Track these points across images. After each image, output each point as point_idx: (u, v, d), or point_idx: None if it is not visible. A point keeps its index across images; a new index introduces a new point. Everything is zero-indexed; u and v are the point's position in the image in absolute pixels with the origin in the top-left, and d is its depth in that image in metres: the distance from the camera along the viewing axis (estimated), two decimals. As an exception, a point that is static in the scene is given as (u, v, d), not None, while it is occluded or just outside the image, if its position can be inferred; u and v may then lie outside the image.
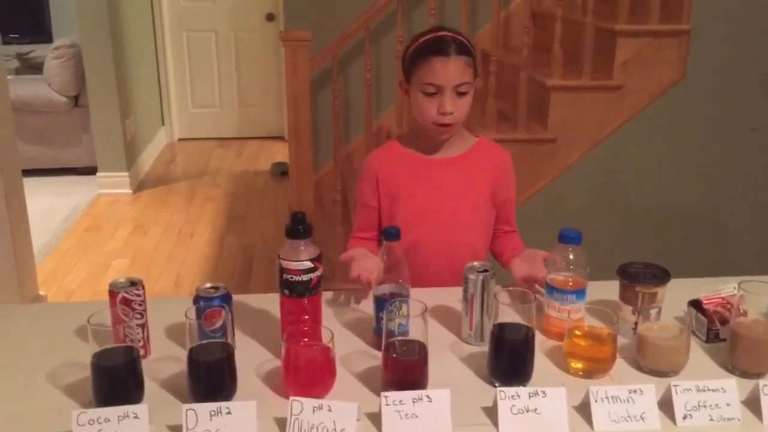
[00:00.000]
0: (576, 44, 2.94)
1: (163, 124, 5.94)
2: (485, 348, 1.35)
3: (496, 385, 1.24)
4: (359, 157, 3.71)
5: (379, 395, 1.20)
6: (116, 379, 1.15)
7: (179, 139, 6.05)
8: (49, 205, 4.35)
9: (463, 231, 1.69)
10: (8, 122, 2.79)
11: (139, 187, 4.85)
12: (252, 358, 1.32)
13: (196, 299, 1.29)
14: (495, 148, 1.76)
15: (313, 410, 1.11)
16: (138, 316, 1.28)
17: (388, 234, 1.33)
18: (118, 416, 1.08)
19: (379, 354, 1.32)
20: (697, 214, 3.12)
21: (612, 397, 1.15)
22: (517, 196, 2.95)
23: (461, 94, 1.59)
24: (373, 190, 1.72)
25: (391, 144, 1.77)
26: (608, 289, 1.47)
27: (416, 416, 1.12)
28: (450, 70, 1.57)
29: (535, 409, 1.13)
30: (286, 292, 1.27)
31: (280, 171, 5.07)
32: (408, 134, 1.77)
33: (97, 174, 4.66)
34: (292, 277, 1.25)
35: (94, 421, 1.07)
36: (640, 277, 1.36)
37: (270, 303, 1.51)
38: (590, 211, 3.01)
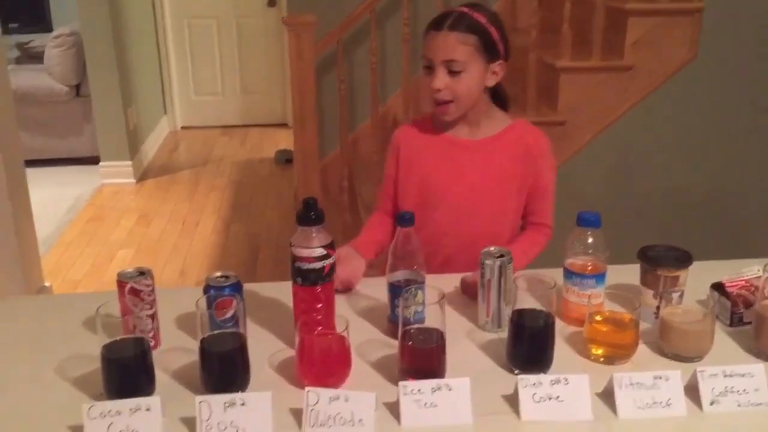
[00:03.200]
0: (585, 24, 2.89)
1: (165, 112, 5.89)
2: (503, 335, 1.32)
3: (516, 372, 1.21)
4: (365, 143, 3.66)
5: (395, 384, 1.17)
6: (127, 371, 1.12)
7: (182, 128, 6.00)
8: (52, 196, 4.32)
9: (479, 218, 1.64)
10: (10, 113, 2.75)
11: (142, 176, 4.81)
12: (264, 348, 1.29)
13: (207, 288, 1.26)
14: (529, 131, 1.67)
15: (330, 400, 1.08)
16: (147, 306, 1.25)
17: (403, 219, 1.29)
18: (130, 409, 1.05)
19: (395, 342, 1.29)
20: (711, 195, 3.08)
21: (636, 384, 1.11)
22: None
23: (454, 72, 1.53)
24: (394, 160, 1.69)
25: (423, 117, 1.73)
26: (626, 273, 1.43)
27: (435, 405, 1.09)
28: (438, 44, 1.52)
29: (558, 397, 1.10)
30: (299, 280, 1.24)
31: (285, 158, 5.04)
32: None
33: (100, 164, 4.63)
34: (304, 265, 1.22)
35: (105, 414, 1.04)
36: (662, 260, 1.33)
37: (280, 291, 1.48)
38: (601, 194, 2.97)
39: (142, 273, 1.27)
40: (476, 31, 1.53)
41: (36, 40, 5.52)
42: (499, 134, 1.64)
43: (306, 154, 2.97)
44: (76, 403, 1.12)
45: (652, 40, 2.84)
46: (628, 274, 1.42)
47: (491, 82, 1.59)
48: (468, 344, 1.33)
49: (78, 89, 4.81)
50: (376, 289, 1.49)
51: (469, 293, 1.47)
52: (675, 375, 1.13)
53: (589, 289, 1.32)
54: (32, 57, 5.30)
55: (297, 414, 1.10)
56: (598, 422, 1.10)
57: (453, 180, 1.63)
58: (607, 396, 1.14)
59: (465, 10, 1.55)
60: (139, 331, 1.15)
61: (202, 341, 1.14)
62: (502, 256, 1.32)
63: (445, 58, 1.52)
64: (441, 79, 1.53)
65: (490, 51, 1.55)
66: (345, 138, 3.16)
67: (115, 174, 4.60)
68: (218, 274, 1.28)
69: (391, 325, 1.33)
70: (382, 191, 1.74)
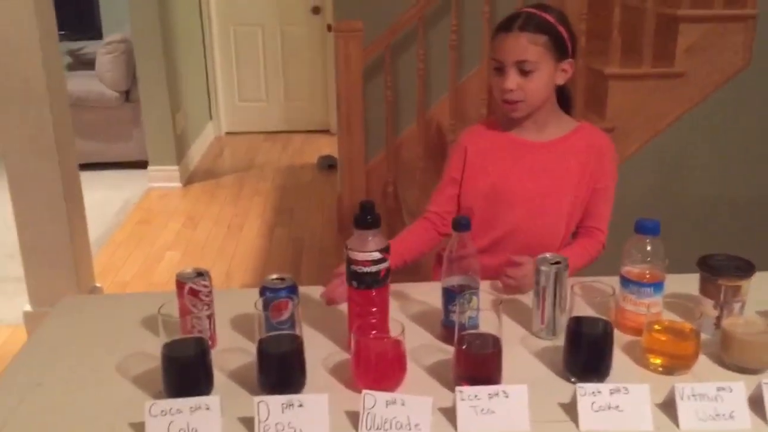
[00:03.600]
0: (635, 31, 2.85)
1: (210, 118, 5.99)
2: (557, 342, 1.31)
3: (573, 380, 1.19)
4: (409, 149, 3.67)
5: (449, 389, 1.18)
6: (187, 370, 1.14)
7: (226, 133, 6.09)
8: (102, 199, 4.42)
9: (546, 219, 1.63)
10: (66, 117, 2.82)
11: (188, 180, 4.89)
12: (317, 350, 1.29)
13: (263, 290, 1.27)
14: (594, 133, 1.67)
15: (386, 404, 1.08)
16: (206, 307, 1.26)
17: (458, 224, 1.29)
18: (190, 407, 1.06)
19: (448, 347, 1.30)
20: (765, 204, 3.00)
21: (699, 395, 1.09)
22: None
23: (525, 72, 1.53)
24: (460, 162, 1.68)
25: (489, 120, 1.74)
26: (681, 282, 1.40)
27: (492, 412, 1.09)
28: (509, 45, 1.52)
29: (617, 407, 1.09)
30: (354, 283, 1.24)
31: (327, 164, 5.07)
32: (501, 113, 1.70)
33: (148, 168, 4.72)
34: (360, 269, 1.23)
35: (166, 412, 1.06)
36: (724, 270, 1.30)
37: (333, 295, 1.49)
38: (649, 202, 2.92)
39: (200, 274, 1.29)
40: (546, 31, 1.53)
41: (87, 47, 5.67)
42: (566, 136, 1.64)
43: (352, 159, 2.99)
44: (136, 401, 1.14)
45: (704, 46, 2.79)
46: (683, 283, 1.40)
47: (561, 80, 1.59)
48: (522, 351, 1.32)
49: (128, 95, 4.91)
50: (428, 294, 1.49)
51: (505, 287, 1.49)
52: (739, 387, 1.10)
53: (646, 297, 1.30)
54: (83, 63, 5.44)
55: (352, 417, 1.10)
56: (659, 433, 1.08)
57: (521, 181, 1.63)
58: (667, 407, 1.12)
59: (533, 10, 1.55)
60: (198, 331, 1.17)
61: (260, 342, 1.15)
62: (558, 263, 1.31)
63: (516, 58, 1.52)
64: (513, 79, 1.53)
65: (560, 50, 1.55)
66: (391, 144, 3.16)
67: (162, 178, 4.69)
68: (274, 276, 1.29)
69: (445, 330, 1.33)
70: (440, 192, 1.72)
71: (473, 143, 1.69)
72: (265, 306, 1.22)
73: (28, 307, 2.82)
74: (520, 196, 1.63)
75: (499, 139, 1.66)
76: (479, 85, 3.04)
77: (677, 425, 1.08)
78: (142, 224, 4.17)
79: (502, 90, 1.56)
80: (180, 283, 1.27)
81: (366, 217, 1.23)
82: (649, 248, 1.31)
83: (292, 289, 1.27)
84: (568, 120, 1.67)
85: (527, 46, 1.52)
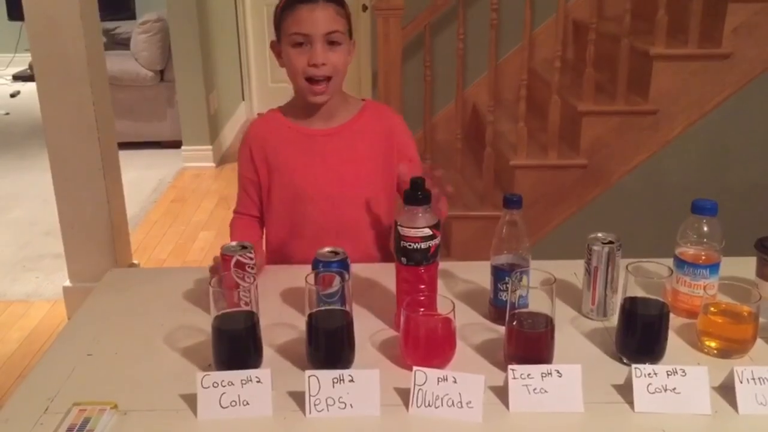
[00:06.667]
0: (681, 10, 2.78)
1: (243, 99, 5.99)
2: (608, 323, 1.29)
3: (625, 361, 1.17)
4: (443, 130, 3.64)
5: (499, 369, 1.17)
6: (238, 343, 1.14)
7: (258, 114, 6.09)
8: (137, 178, 4.46)
9: (350, 206, 1.58)
10: (106, 95, 2.84)
11: (221, 160, 4.91)
12: (365, 327, 1.28)
13: (315, 263, 1.27)
14: (382, 110, 1.66)
15: (438, 381, 1.07)
16: (251, 279, 1.26)
17: (510, 202, 1.27)
18: (242, 380, 1.06)
19: (497, 326, 1.28)
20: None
21: (759, 378, 1.06)
22: (614, 170, 2.86)
23: (333, 43, 1.48)
24: (248, 162, 1.61)
25: (271, 113, 1.65)
26: (735, 265, 1.37)
27: (545, 391, 1.07)
28: (318, 17, 1.46)
29: (674, 389, 1.06)
30: (403, 260, 1.23)
31: (360, 146, 5.05)
32: (289, 104, 1.64)
33: (182, 147, 4.74)
34: (410, 245, 1.21)
35: (218, 384, 1.06)
36: (783, 252, 1.26)
37: (377, 272, 1.48)
38: (693, 186, 2.86)
39: (244, 247, 1.30)
40: (344, 5, 1.51)
41: (121, 26, 5.70)
42: (354, 118, 1.60)
43: (388, 140, 2.96)
44: (185, 373, 1.15)
45: (752, 27, 2.71)
46: (738, 266, 1.36)
47: (350, 60, 1.54)
48: (572, 332, 1.29)
49: (162, 74, 4.93)
50: (473, 273, 1.47)
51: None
52: (801, 371, 1.07)
53: (702, 279, 1.27)
54: (118, 43, 5.47)
55: (402, 393, 1.09)
56: (718, 417, 1.05)
57: (318, 175, 1.57)
58: (724, 390, 1.09)
59: None
60: (244, 304, 1.16)
61: (310, 317, 1.14)
62: (611, 242, 1.28)
63: (327, 29, 1.47)
64: (324, 52, 1.47)
65: (350, 26, 1.53)
66: (429, 124, 3.13)
67: (196, 158, 4.71)
68: (327, 249, 1.29)
69: (494, 308, 1.31)
70: (240, 195, 1.66)
71: (258, 139, 1.60)
72: (317, 277, 1.21)
73: (67, 283, 2.87)
74: (321, 190, 1.57)
75: (287, 132, 1.59)
76: (517, 65, 2.99)
77: (736, 409, 1.06)
78: (176, 203, 4.20)
79: (309, 66, 1.48)
80: (226, 257, 1.27)
81: (416, 194, 1.21)
82: (705, 229, 1.28)
83: (344, 264, 1.26)
84: (354, 101, 1.63)
85: (335, 18, 1.47)
